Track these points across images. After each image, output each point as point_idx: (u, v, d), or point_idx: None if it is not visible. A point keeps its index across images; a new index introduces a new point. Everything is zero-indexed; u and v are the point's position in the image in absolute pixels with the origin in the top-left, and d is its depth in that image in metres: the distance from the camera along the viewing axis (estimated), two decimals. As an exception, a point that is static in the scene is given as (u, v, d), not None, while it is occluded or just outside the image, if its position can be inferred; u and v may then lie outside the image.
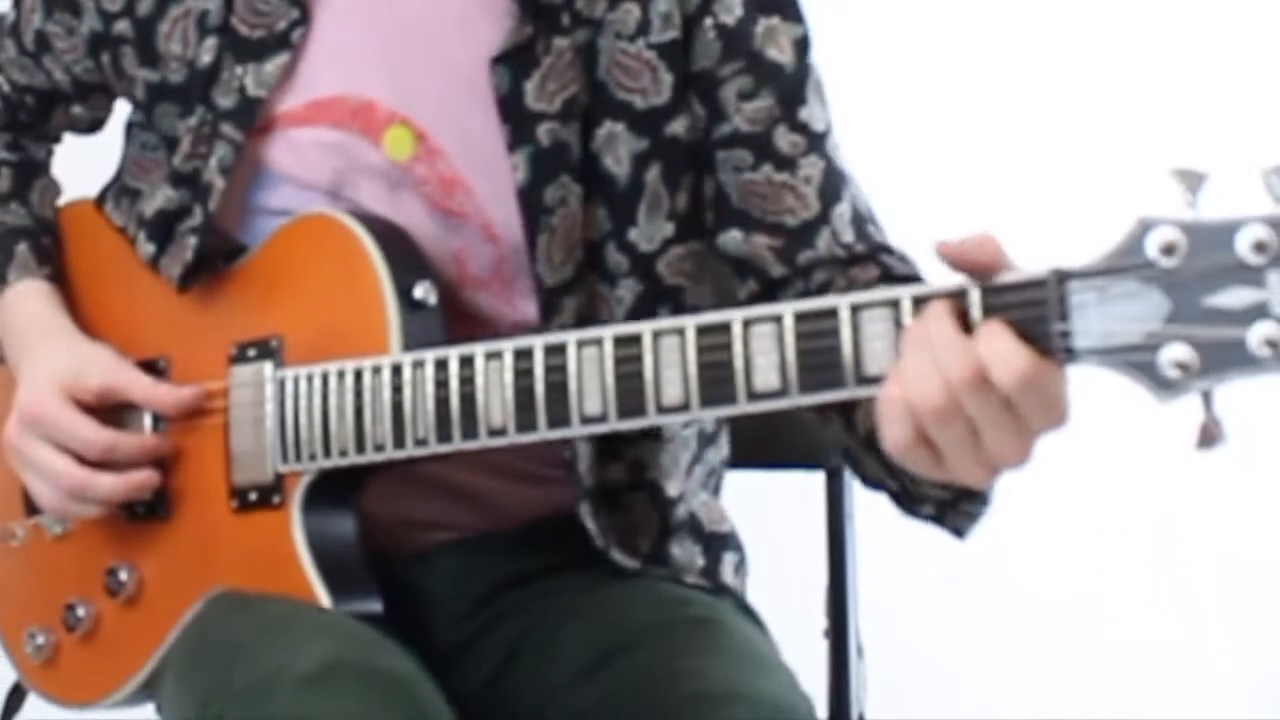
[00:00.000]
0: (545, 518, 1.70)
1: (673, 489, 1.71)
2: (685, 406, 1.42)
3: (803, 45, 1.65)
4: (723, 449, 1.79)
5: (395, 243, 1.61)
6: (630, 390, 1.43)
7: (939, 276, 1.38)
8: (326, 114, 1.66)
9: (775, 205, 1.63)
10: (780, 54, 1.63)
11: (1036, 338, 1.27)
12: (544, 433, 1.48)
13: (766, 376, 1.38)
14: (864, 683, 1.89)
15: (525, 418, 1.48)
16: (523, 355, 1.49)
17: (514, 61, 1.61)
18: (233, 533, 1.63)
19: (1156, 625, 3.02)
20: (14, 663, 1.82)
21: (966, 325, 1.29)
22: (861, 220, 1.65)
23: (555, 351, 1.47)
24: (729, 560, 1.74)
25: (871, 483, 1.55)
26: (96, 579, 1.71)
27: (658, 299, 1.66)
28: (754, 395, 1.39)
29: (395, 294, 1.57)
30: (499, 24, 1.62)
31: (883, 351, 1.33)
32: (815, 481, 1.95)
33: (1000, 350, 1.27)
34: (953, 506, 1.48)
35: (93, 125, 1.89)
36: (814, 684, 1.69)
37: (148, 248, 1.71)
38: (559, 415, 1.47)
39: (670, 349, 1.42)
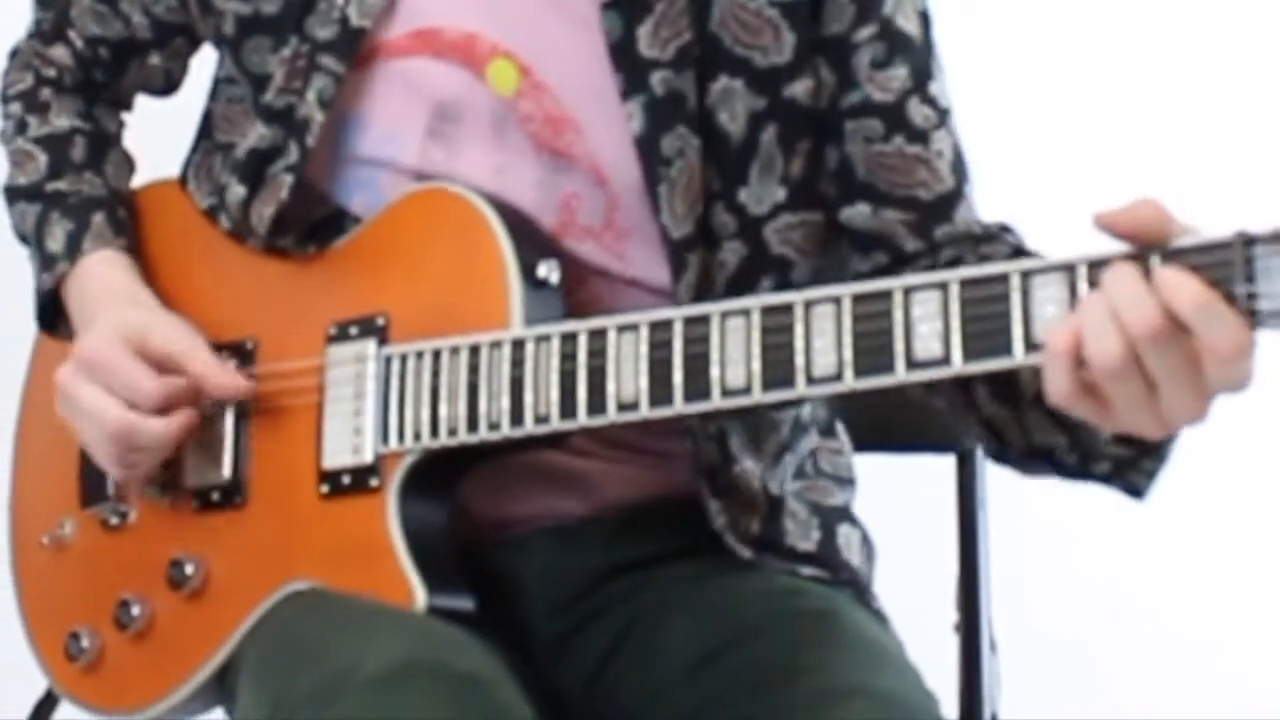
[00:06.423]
0: (648, 503, 1.64)
1: (759, 468, 1.65)
2: (838, 377, 1.40)
3: (926, 19, 1.64)
4: (814, 438, 1.74)
5: (519, 220, 1.57)
6: (778, 361, 1.42)
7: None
8: (428, 45, 1.62)
9: (907, 178, 1.62)
10: (909, 24, 1.62)
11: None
12: (680, 407, 1.45)
13: (928, 344, 1.37)
14: (997, 680, 1.83)
15: (660, 391, 1.46)
16: (660, 327, 1.46)
17: (626, 7, 1.58)
18: (319, 520, 1.58)
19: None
20: (47, 670, 1.73)
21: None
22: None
23: (697, 323, 1.45)
24: (845, 534, 1.68)
25: (1023, 456, 1.52)
26: (158, 572, 1.64)
27: (762, 268, 1.62)
28: (914, 364, 1.38)
29: (519, 270, 1.54)
30: None
31: (1055, 317, 1.33)
32: (945, 465, 1.91)
33: (1180, 283, 1.26)
34: (1132, 465, 1.46)
35: (168, 85, 1.83)
36: (944, 681, 1.64)
37: (238, 190, 1.66)
38: (698, 388, 1.44)
39: (824, 317, 1.41)
